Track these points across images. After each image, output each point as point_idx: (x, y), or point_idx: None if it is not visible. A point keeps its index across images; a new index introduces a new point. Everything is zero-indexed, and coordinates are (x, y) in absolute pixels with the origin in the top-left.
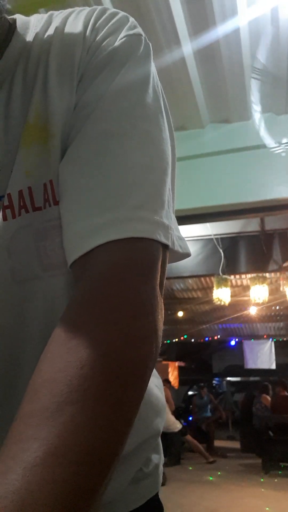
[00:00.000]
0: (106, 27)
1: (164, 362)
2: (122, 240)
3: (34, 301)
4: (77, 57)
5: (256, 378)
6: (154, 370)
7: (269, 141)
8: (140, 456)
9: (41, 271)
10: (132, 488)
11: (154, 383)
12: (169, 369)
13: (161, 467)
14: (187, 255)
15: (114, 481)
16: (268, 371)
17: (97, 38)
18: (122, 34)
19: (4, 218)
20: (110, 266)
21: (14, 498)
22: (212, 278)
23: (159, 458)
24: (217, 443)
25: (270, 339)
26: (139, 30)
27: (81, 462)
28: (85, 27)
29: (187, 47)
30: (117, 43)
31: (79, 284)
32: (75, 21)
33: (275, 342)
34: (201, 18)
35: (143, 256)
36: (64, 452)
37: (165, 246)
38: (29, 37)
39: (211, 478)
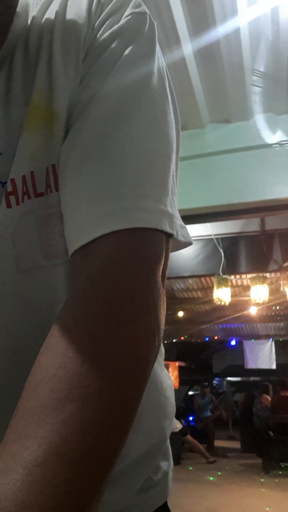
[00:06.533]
0: (111, 4)
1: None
2: (126, 230)
3: (38, 292)
4: (82, 33)
5: (256, 378)
6: (167, 371)
7: (269, 141)
8: (149, 463)
9: (44, 260)
10: (140, 497)
11: (169, 384)
12: (169, 369)
13: (170, 474)
14: (189, 243)
15: (123, 489)
16: (268, 371)
17: (102, 15)
18: (128, 11)
19: (8, 205)
20: (113, 257)
21: (15, 499)
22: (212, 278)
23: (168, 464)
24: (217, 443)
25: (271, 339)
26: (144, 8)
27: (82, 461)
28: (90, 2)
29: (187, 47)
30: (122, 21)
31: (80, 276)
32: None
33: (275, 342)
34: (201, 18)
35: (148, 247)
36: (65, 451)
37: (169, 236)
38: (30, 15)
39: (211, 478)
